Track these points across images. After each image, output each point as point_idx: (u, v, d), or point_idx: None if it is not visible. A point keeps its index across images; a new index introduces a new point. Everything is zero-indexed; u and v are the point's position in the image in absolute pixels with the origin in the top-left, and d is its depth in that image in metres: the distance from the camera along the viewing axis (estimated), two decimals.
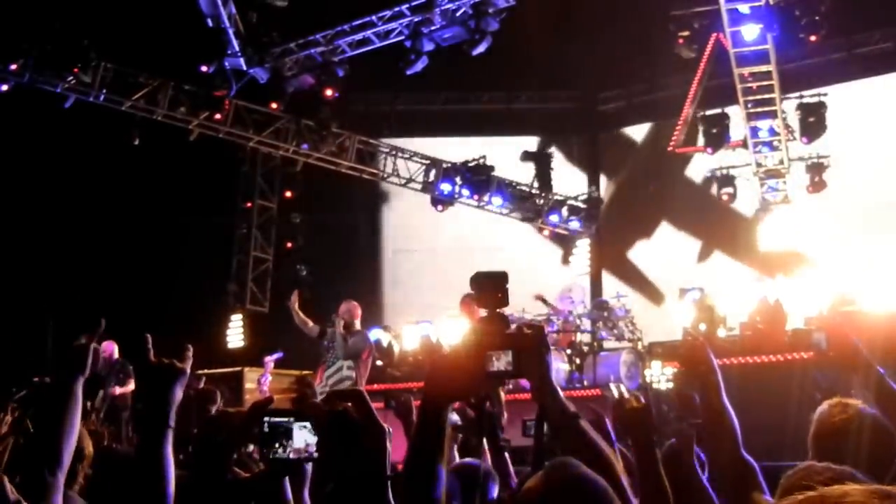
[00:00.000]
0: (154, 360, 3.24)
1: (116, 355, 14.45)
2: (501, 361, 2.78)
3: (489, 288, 2.93)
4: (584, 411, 2.96)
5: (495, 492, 4.33)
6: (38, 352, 16.07)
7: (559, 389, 2.82)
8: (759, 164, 18.18)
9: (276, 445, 2.94)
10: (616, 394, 4.06)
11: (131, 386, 14.02)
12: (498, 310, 2.89)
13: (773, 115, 17.14)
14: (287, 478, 3.24)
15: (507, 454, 4.81)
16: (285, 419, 2.93)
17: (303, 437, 2.89)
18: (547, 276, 19.29)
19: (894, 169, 18.29)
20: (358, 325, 12.50)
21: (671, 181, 20.91)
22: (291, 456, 2.98)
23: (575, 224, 20.87)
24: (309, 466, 3.28)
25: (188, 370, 3.26)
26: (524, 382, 3.00)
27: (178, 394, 3.22)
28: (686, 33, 16.57)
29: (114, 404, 14.12)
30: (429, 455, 2.74)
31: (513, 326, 2.89)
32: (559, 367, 14.38)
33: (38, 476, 3.28)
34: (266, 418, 2.96)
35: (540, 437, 2.94)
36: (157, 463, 3.09)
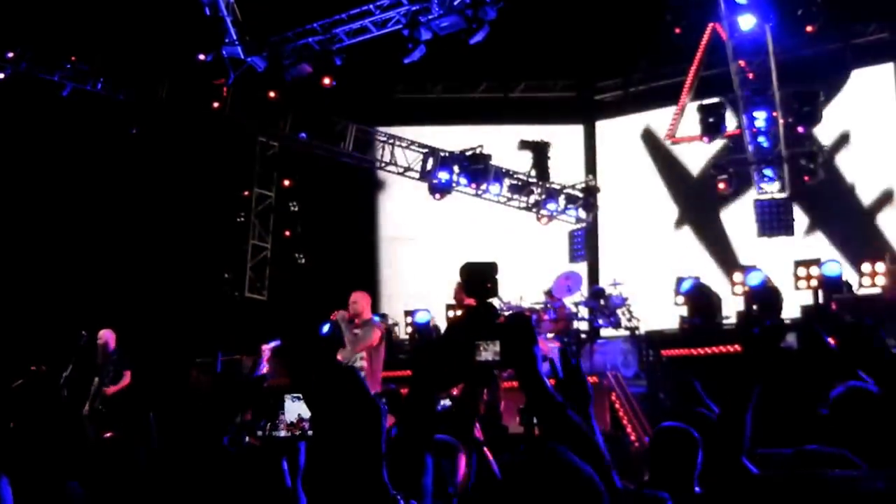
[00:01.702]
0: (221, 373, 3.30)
1: (112, 345, 14.48)
2: (489, 351, 2.81)
3: (478, 278, 2.92)
4: None
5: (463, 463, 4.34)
6: (35, 340, 16.10)
7: (546, 379, 2.82)
8: (755, 153, 18.20)
9: (267, 423, 2.96)
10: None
11: (126, 381, 14.05)
12: (487, 300, 2.89)
13: (769, 104, 17.16)
14: (284, 458, 3.27)
15: (485, 449, 4.79)
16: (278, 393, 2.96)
17: (295, 409, 2.90)
18: (544, 264, 19.36)
19: (888, 158, 18.39)
20: (368, 314, 12.40)
21: (667, 170, 20.98)
22: (283, 433, 3.00)
23: (572, 212, 20.90)
24: (303, 450, 3.30)
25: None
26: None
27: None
28: (683, 23, 16.58)
29: (108, 400, 14.11)
30: (417, 444, 2.77)
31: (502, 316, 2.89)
32: (556, 354, 14.45)
33: None
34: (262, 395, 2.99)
35: (530, 425, 2.96)
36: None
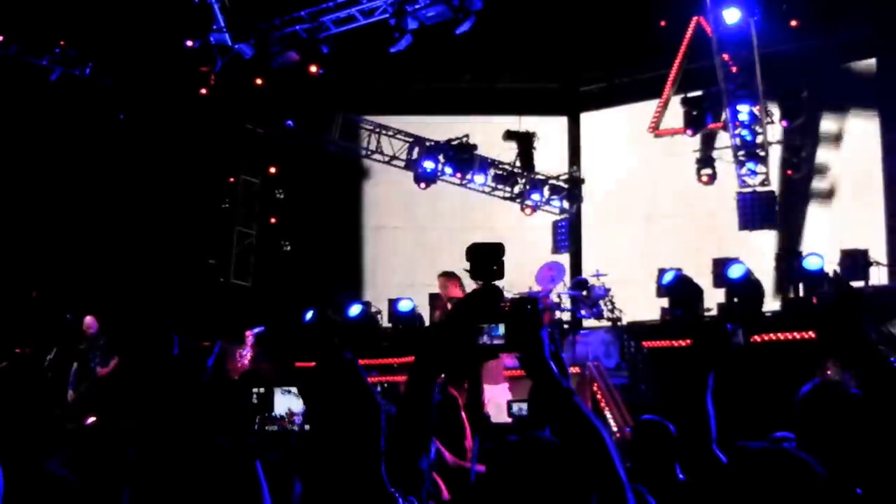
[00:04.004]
0: (178, 355, 3.32)
1: (95, 330, 14.51)
2: (493, 334, 2.78)
3: (484, 260, 2.89)
4: None
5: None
6: (21, 323, 16.11)
7: (552, 364, 2.82)
8: (738, 147, 18.33)
9: (256, 418, 2.93)
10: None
11: (114, 363, 14.08)
12: (493, 282, 2.86)
13: (753, 98, 17.27)
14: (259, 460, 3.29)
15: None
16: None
17: (286, 403, 2.88)
18: (528, 254, 19.46)
19: (871, 152, 18.54)
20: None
21: (651, 162, 21.06)
22: (275, 427, 2.98)
23: (556, 203, 20.98)
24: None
25: (210, 366, 3.34)
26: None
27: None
28: (668, 16, 16.67)
29: (98, 382, 14.16)
30: (416, 428, 2.79)
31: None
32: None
33: None
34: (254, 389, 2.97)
35: (536, 410, 3.00)
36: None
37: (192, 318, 17.78)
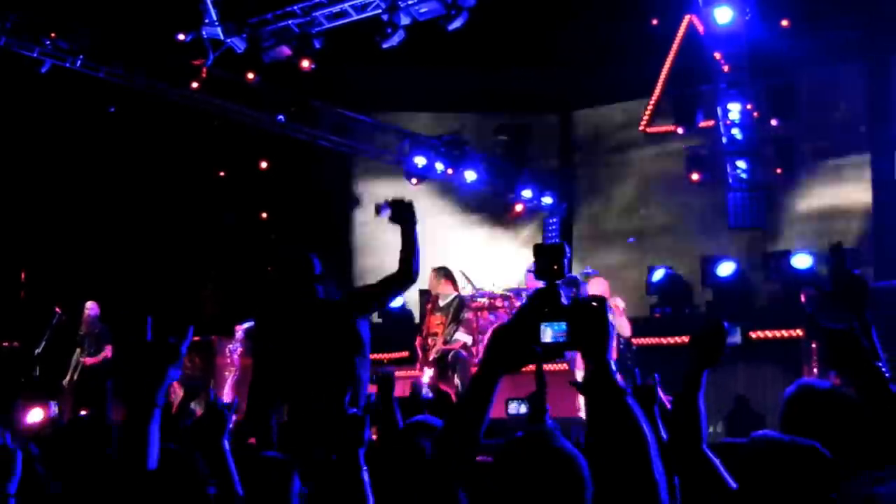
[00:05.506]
0: (152, 340, 3.28)
1: (95, 316, 14.52)
2: (556, 333, 2.82)
3: (547, 259, 2.94)
4: None
5: None
6: (10, 316, 16.09)
7: (613, 364, 2.80)
8: (729, 145, 18.35)
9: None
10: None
11: (105, 354, 14.08)
12: (555, 281, 2.90)
13: (744, 96, 17.30)
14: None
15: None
16: None
17: None
18: (518, 251, 19.48)
19: (861, 153, 18.60)
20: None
21: (642, 159, 21.10)
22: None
23: (547, 200, 20.99)
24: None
25: (183, 353, 3.31)
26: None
27: (174, 374, 3.28)
28: (660, 14, 16.66)
29: (86, 372, 14.16)
30: (471, 423, 2.85)
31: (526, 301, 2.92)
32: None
33: None
34: None
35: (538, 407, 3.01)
36: (142, 440, 3.15)
37: (184, 313, 17.81)
